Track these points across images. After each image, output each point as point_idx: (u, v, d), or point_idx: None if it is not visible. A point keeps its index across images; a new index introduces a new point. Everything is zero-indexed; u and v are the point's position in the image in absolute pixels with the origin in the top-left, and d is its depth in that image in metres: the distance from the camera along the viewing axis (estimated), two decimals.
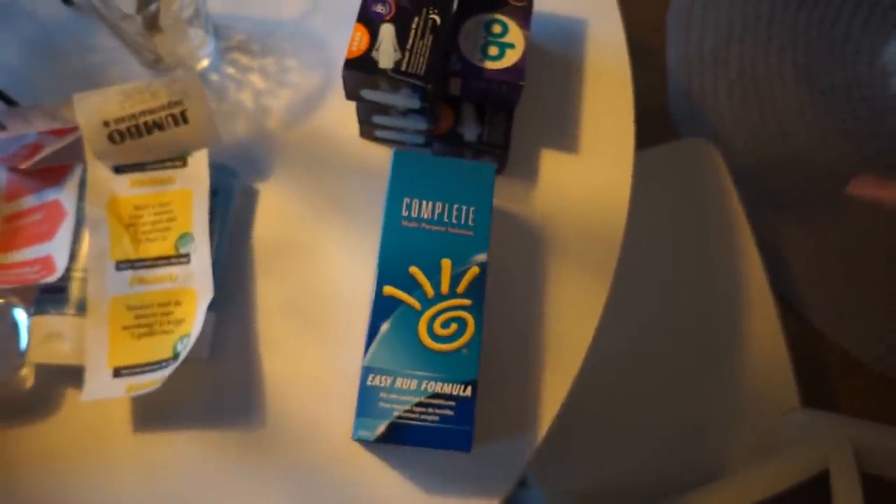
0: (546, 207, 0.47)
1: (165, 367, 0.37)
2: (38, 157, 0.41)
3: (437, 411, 0.35)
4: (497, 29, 0.43)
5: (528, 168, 0.48)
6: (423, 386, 0.36)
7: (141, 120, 0.40)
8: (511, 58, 0.42)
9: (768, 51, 1.31)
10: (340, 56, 0.49)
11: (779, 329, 0.80)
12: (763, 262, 0.81)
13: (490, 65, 0.42)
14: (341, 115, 0.47)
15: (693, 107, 1.28)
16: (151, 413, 0.40)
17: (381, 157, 0.47)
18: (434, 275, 0.37)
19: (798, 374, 0.78)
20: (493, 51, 0.43)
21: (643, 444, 0.74)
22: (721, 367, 0.79)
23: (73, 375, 0.39)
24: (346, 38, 0.50)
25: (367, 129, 0.45)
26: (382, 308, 0.37)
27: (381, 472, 0.40)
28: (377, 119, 0.43)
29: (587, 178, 0.48)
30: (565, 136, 0.49)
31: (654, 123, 1.26)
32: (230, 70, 0.48)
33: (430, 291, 0.37)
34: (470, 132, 0.44)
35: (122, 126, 0.40)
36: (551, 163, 0.48)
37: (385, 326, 0.36)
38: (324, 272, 0.44)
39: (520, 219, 0.46)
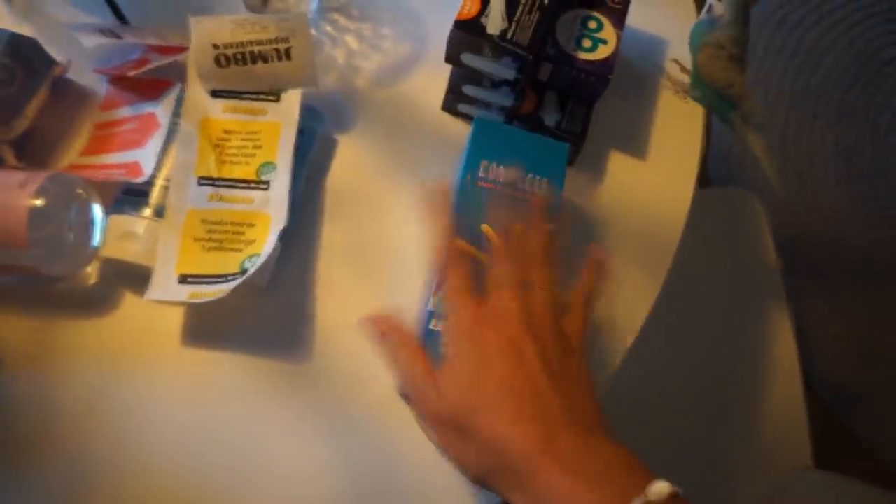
0: (609, 204, 0.48)
1: (231, 280, 0.38)
2: (143, 70, 0.42)
3: None
4: (592, 25, 0.45)
5: (597, 164, 0.49)
6: None
7: (248, 49, 0.42)
8: (603, 52, 0.44)
9: (813, 126, 1.33)
10: (434, 34, 0.51)
11: (800, 388, 0.79)
12: (792, 320, 0.81)
13: (582, 55, 0.44)
14: (427, 86, 0.49)
15: (732, 170, 1.30)
16: (203, 330, 0.41)
17: (458, 130, 0.48)
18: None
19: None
20: (587, 43, 0.44)
21: None
22: (737, 417, 0.78)
23: (135, 280, 0.40)
24: (441, 20, 0.52)
25: (452, 101, 0.47)
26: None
27: (417, 430, 0.40)
28: (467, 89, 0.45)
29: (651, 185, 0.49)
30: (635, 142, 0.50)
31: None
32: (328, 28, 0.50)
33: None
34: (550, 118, 0.46)
35: (230, 52, 0.42)
36: (619, 164, 0.49)
37: None
38: (388, 227, 0.45)
39: (582, 210, 0.48)
